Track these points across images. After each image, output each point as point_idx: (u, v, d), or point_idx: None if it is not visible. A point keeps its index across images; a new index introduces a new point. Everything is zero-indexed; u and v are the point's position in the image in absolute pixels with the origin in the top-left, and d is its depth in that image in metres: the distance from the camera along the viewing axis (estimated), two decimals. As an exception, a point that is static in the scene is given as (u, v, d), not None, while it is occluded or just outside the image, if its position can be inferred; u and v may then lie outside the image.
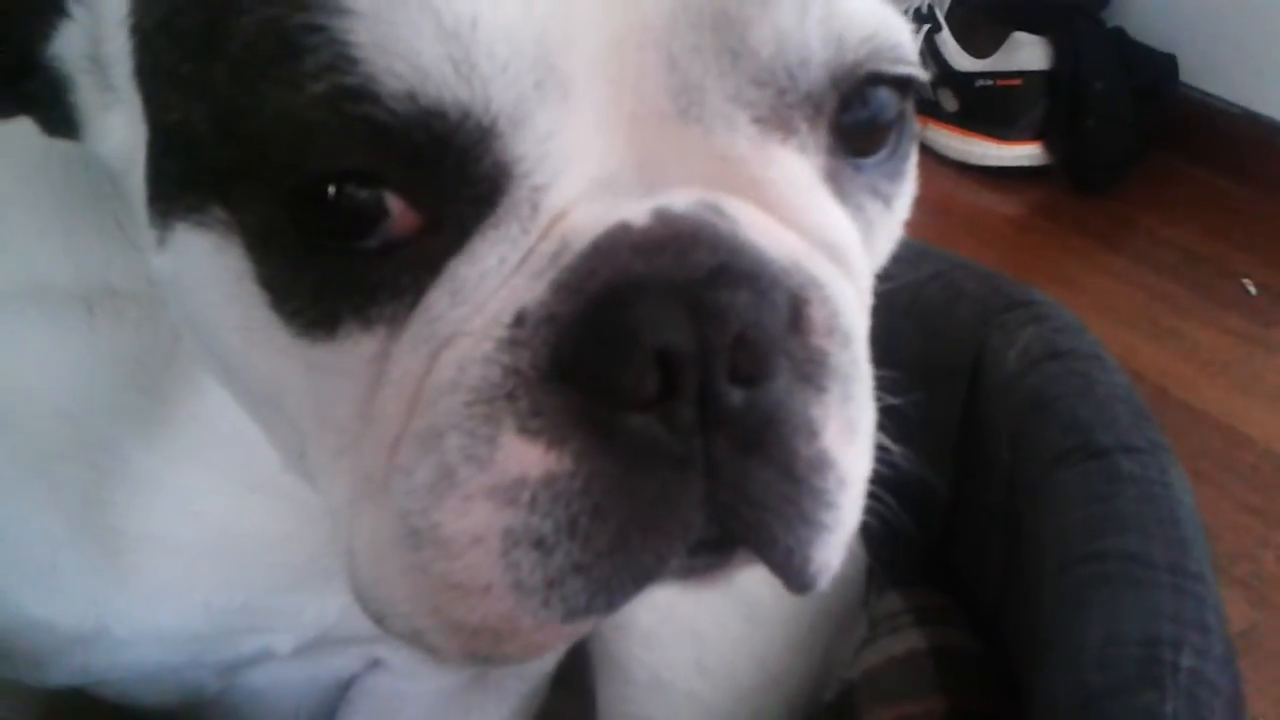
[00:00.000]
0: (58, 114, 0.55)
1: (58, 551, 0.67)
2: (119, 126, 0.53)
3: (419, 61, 0.43)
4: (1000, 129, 2.32)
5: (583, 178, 0.47)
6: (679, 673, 0.88)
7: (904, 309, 1.10)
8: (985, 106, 2.33)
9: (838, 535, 0.50)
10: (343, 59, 0.43)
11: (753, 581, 0.54)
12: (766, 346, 0.46)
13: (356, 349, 0.48)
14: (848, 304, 0.50)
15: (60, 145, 0.58)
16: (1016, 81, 2.30)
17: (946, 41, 2.37)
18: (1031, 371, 0.87)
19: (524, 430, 0.45)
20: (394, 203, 0.46)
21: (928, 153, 2.46)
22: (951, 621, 0.94)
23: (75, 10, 0.54)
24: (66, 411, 0.65)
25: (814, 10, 0.48)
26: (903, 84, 0.54)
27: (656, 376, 0.44)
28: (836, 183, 0.53)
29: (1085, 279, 2.11)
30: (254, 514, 0.68)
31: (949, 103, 2.37)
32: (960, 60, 2.35)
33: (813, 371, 0.48)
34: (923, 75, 0.55)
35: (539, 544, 0.45)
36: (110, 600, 0.69)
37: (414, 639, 0.51)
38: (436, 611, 0.49)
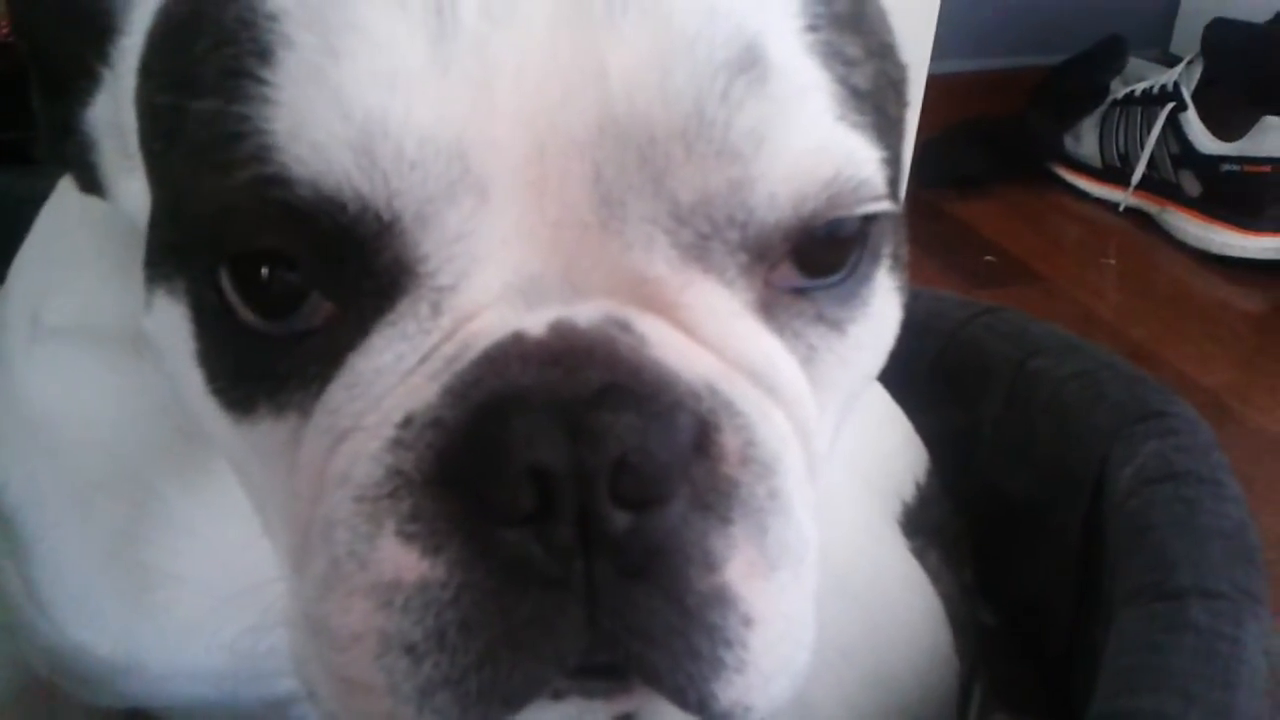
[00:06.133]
0: (87, 174, 0.59)
1: (91, 579, 0.71)
2: (137, 191, 0.56)
3: (322, 150, 0.44)
4: (1245, 218, 2.13)
5: (497, 281, 0.46)
6: None
7: (1043, 406, 1.03)
8: (1230, 193, 2.14)
9: (748, 676, 0.46)
10: (265, 148, 0.45)
11: (809, 686, 0.51)
12: (654, 471, 0.43)
13: (272, 433, 0.49)
14: (771, 433, 0.47)
15: None
16: (1265, 169, 2.10)
17: (1191, 121, 2.20)
18: (1139, 493, 0.79)
19: (401, 533, 0.44)
20: (310, 289, 0.47)
21: (1165, 238, 2.29)
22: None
23: (106, 78, 0.57)
24: (109, 445, 0.69)
25: (754, 174, 0.45)
26: (867, 217, 0.50)
27: (532, 493, 0.43)
28: (770, 311, 0.50)
29: (1324, 387, 1.91)
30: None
31: (1191, 187, 2.21)
32: (1205, 143, 2.19)
33: (716, 501, 0.45)
34: (893, 207, 0.51)
35: (410, 650, 0.44)
36: (139, 633, 0.72)
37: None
38: (336, 698, 0.48)
